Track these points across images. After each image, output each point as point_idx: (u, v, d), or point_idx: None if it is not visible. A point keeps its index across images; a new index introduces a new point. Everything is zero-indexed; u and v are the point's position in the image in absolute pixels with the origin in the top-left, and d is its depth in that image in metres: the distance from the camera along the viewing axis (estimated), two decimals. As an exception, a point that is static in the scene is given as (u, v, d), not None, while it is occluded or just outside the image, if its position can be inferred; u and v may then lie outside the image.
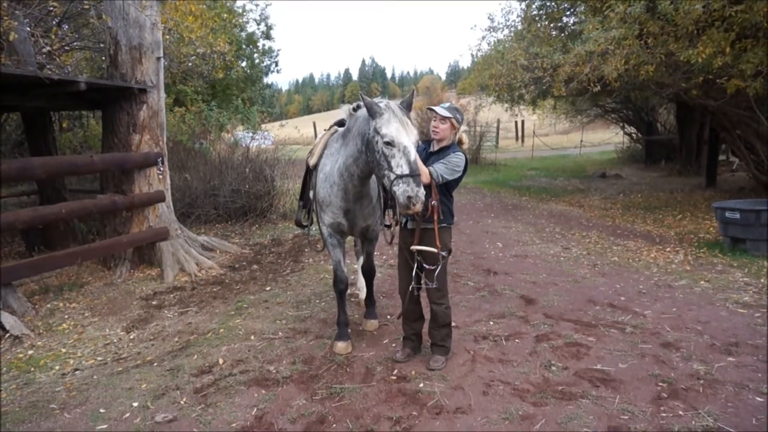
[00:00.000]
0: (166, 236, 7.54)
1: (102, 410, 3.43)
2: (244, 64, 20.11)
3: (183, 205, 10.48)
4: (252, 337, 4.60)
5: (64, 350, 4.88)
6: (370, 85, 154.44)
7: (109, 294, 6.45)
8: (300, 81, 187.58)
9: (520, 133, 30.64)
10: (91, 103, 7.91)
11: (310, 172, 4.48)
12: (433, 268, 3.66)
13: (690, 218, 9.08)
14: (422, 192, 3.23)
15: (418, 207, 3.23)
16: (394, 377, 3.75)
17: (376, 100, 3.58)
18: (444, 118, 3.69)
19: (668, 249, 7.17)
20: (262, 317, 5.12)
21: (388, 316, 4.99)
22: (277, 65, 23.93)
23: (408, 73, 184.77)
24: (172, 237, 7.64)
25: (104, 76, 7.84)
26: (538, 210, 10.59)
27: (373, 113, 3.41)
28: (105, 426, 3.25)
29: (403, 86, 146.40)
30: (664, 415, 3.12)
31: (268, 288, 6.20)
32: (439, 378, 3.70)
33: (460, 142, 3.83)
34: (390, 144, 3.33)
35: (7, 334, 5.14)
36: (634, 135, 18.88)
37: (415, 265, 3.75)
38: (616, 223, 9.12)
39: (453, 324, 4.61)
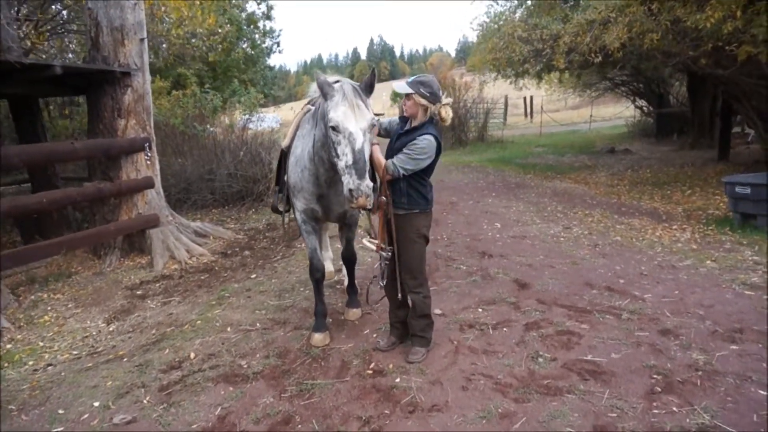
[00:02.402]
0: (156, 223, 7.37)
1: (61, 411, 3.27)
2: (245, 45, 19.77)
3: (179, 190, 10.32)
4: (228, 329, 4.41)
5: (41, 344, 4.74)
6: (379, 64, 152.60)
7: (96, 284, 6.31)
8: (308, 62, 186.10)
9: (528, 110, 29.94)
10: (75, 89, 7.70)
11: (285, 155, 4.22)
12: (385, 256, 3.42)
13: (699, 194, 8.68)
14: (366, 184, 2.97)
15: (362, 201, 2.97)
16: (371, 371, 3.53)
17: (332, 78, 3.31)
18: (407, 95, 3.37)
19: (674, 227, 6.83)
20: (242, 307, 4.93)
21: (374, 305, 4.76)
22: (278, 46, 23.54)
23: (417, 50, 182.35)
24: (162, 224, 7.46)
25: (87, 59, 7.61)
26: (541, 188, 10.24)
27: (324, 95, 3.14)
28: (61, 428, 3.08)
29: (413, 64, 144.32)
30: (656, 411, 2.87)
31: (253, 276, 6.00)
32: (418, 372, 3.47)
33: (441, 119, 3.51)
34: (335, 129, 3.06)
35: (-13, 328, 5.01)
36: (645, 108, 18.27)
37: (381, 254, 3.51)
38: (621, 200, 8.76)
39: (440, 312, 4.42)
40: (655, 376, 3.23)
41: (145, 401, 3.32)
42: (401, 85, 3.41)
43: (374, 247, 3.50)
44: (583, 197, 9.14)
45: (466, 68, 15.45)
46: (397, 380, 3.38)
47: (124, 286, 6.17)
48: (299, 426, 2.95)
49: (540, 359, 3.53)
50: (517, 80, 12.92)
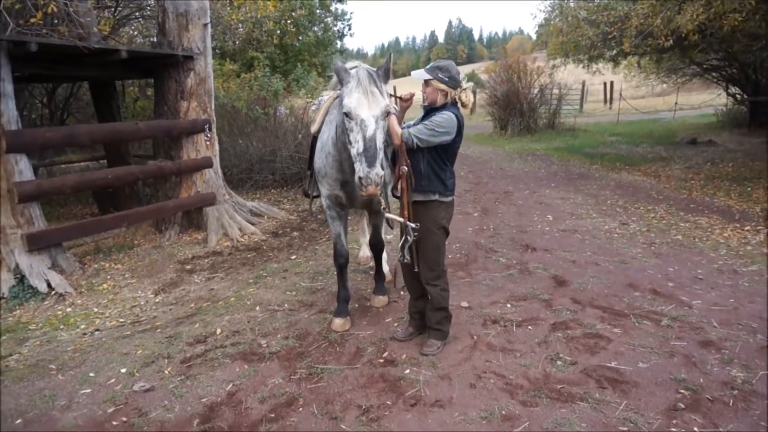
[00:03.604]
0: (212, 201, 7.69)
1: (92, 374, 3.52)
2: (316, 28, 20.05)
3: (241, 170, 10.71)
4: (257, 308, 4.54)
5: (96, 310, 5.12)
6: (456, 47, 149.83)
7: (153, 257, 6.71)
8: (385, 45, 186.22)
9: (608, 96, 28.25)
10: (144, 72, 8.14)
11: (315, 140, 4.25)
12: (409, 239, 3.33)
13: (786, 192, 7.85)
14: (376, 173, 2.91)
15: (371, 189, 2.92)
16: (382, 360, 3.51)
17: (350, 64, 3.26)
18: (426, 81, 3.28)
19: (747, 228, 6.22)
20: (275, 287, 5.06)
21: (402, 293, 4.72)
22: (350, 29, 23.67)
23: (496, 33, 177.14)
24: (219, 202, 7.78)
25: (154, 44, 8.02)
26: (605, 180, 9.67)
27: (340, 81, 3.10)
28: (89, 390, 3.32)
29: (491, 48, 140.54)
30: (673, 430, 2.64)
31: (293, 257, 6.14)
32: (429, 365, 3.41)
33: (462, 104, 3.39)
34: (348, 116, 3.02)
35: (53, 292, 5.48)
36: (738, 96, 16.67)
37: (402, 236, 3.44)
38: (692, 196, 8.08)
39: (466, 305, 4.32)
40: (682, 390, 2.97)
41: (166, 371, 3.50)
42: (419, 72, 3.32)
43: (401, 219, 3.37)
44: (649, 191, 8.53)
45: (547, 52, 14.74)
46: (407, 371, 3.34)
47: (176, 260, 6.52)
48: (300, 409, 3.00)
49: (559, 362, 3.35)
50: (590, 65, 12.16)
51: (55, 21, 6.76)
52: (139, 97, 13.41)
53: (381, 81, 3.12)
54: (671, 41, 6.57)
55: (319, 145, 3.92)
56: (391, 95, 3.30)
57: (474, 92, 29.93)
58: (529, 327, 3.88)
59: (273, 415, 2.94)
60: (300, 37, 18.45)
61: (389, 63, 3.21)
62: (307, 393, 3.16)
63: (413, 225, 3.34)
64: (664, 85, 22.56)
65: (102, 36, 9.35)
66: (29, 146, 5.59)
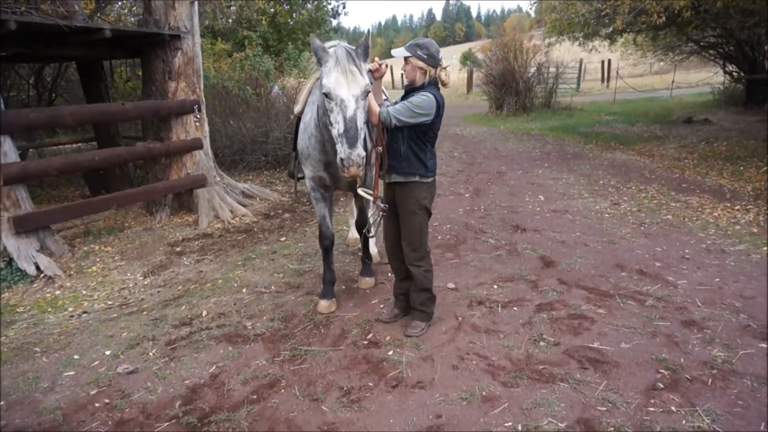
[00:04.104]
0: (203, 183, 7.63)
1: (76, 356, 3.52)
2: (309, 6, 19.74)
3: (233, 151, 10.61)
4: (244, 290, 4.54)
5: (84, 292, 5.11)
6: (454, 25, 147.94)
7: (143, 239, 6.68)
8: (382, 23, 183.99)
9: (606, 75, 27.99)
10: (130, 51, 8.00)
11: (298, 121, 4.19)
12: (374, 217, 3.35)
13: (779, 171, 7.82)
14: (357, 154, 2.88)
15: (353, 171, 2.89)
16: (366, 342, 3.52)
17: (329, 43, 3.20)
18: (405, 59, 3.22)
19: (737, 207, 6.21)
20: (263, 269, 5.05)
21: (389, 274, 4.71)
22: (344, 7, 23.29)
23: (494, 11, 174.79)
24: (209, 184, 7.73)
25: (140, 23, 7.87)
26: (598, 160, 9.62)
27: (318, 60, 3.04)
28: (72, 372, 3.32)
29: (489, 26, 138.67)
30: (651, 409, 2.66)
31: (283, 239, 6.12)
32: (413, 346, 3.42)
33: (442, 83, 3.34)
34: (328, 96, 2.97)
35: (42, 274, 5.47)
36: (735, 74, 16.52)
37: (378, 204, 3.44)
38: (684, 175, 8.05)
39: (453, 286, 4.32)
40: (662, 371, 2.98)
41: (150, 354, 3.51)
42: (399, 50, 3.25)
43: (371, 197, 3.41)
44: (642, 171, 8.50)
45: (544, 30, 14.48)
46: (390, 353, 3.35)
47: (166, 243, 6.49)
48: (282, 391, 3.01)
49: (542, 343, 3.36)
50: (585, 43, 12.00)
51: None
52: (131, 78, 13.23)
53: (360, 59, 3.05)
54: (664, 18, 6.47)
55: (302, 126, 3.87)
56: (370, 71, 3.24)
57: (471, 71, 29.69)
58: (515, 308, 3.89)
59: (255, 397, 2.95)
60: (294, 15, 18.18)
61: (368, 40, 3.14)
62: (289, 375, 3.17)
63: (382, 204, 3.34)
64: (662, 63, 22.34)
65: (88, 14, 9.18)
66: (12, 127, 5.51)
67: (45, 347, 3.70)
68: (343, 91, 2.96)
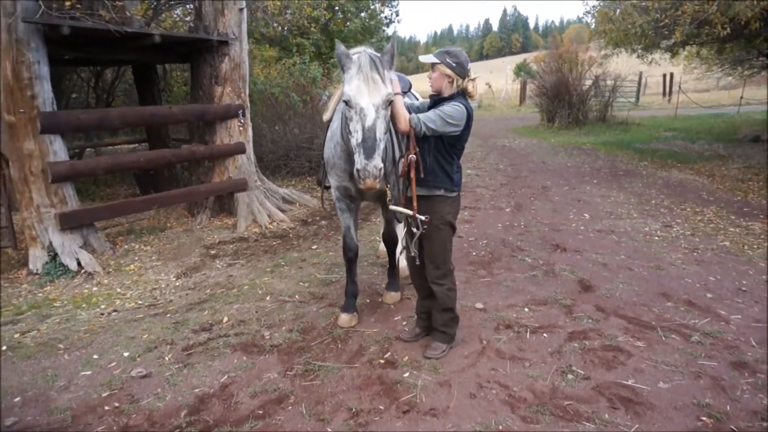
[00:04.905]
0: (244, 187, 7.72)
1: (96, 356, 3.56)
2: (363, 14, 19.92)
3: (277, 157, 10.74)
4: (267, 298, 4.49)
5: (118, 290, 5.21)
6: (511, 36, 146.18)
7: (182, 240, 6.80)
8: (438, 33, 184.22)
9: (667, 89, 26.73)
10: (181, 56, 8.23)
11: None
12: (415, 232, 3.16)
13: None
14: (374, 165, 2.75)
15: (369, 183, 2.76)
16: (383, 361, 3.37)
17: (355, 50, 3.09)
18: (433, 66, 3.06)
19: (806, 236, 5.67)
20: (290, 277, 5.00)
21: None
22: (397, 15, 23.38)
23: (553, 22, 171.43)
24: (250, 188, 7.81)
25: (191, 29, 8.08)
26: (652, 178, 9.09)
27: (341, 67, 2.95)
28: (89, 372, 3.35)
29: (547, 36, 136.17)
30: (687, 462, 2.38)
31: (314, 246, 6.07)
32: (431, 369, 3.24)
33: (468, 95, 3.16)
34: (348, 104, 2.86)
35: (83, 270, 5.63)
36: (813, 90, 15.36)
37: (405, 230, 3.28)
38: (747, 198, 7.46)
39: (481, 306, 4.11)
40: (704, 418, 2.68)
41: (166, 358, 3.49)
42: (427, 57, 3.11)
43: (410, 212, 3.20)
44: (700, 192, 7.95)
45: (606, 40, 13.85)
46: (406, 375, 3.19)
47: (203, 245, 6.58)
48: (290, 407, 2.90)
49: (570, 375, 3.11)
50: (644, 55, 11.44)
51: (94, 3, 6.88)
52: (188, 82, 13.67)
53: (384, 67, 2.94)
54: (729, 30, 6.01)
55: (329, 134, 3.79)
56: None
57: (524, 82, 29.08)
58: (544, 334, 3.64)
59: (261, 412, 2.86)
60: (347, 24, 18.40)
61: (394, 48, 3.03)
62: (299, 391, 3.06)
63: (422, 217, 3.16)
64: (730, 78, 21.10)
65: (145, 21, 9.54)
66: (63, 127, 5.73)
67: (69, 344, 3.76)
68: (363, 99, 2.85)
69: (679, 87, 20.70)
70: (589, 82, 16.94)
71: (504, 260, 5.26)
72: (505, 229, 6.39)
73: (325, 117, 4.00)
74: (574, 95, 16.50)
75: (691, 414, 2.72)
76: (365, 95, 2.86)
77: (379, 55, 3.01)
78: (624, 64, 16.54)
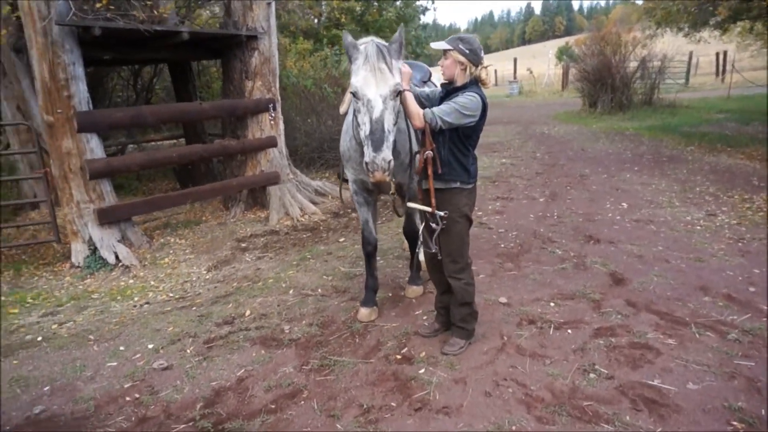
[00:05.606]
0: (276, 180, 7.80)
1: (122, 347, 3.67)
2: (398, 3, 19.76)
3: (311, 149, 10.80)
4: (290, 291, 4.52)
5: (152, 283, 5.38)
6: (554, 19, 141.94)
7: (215, 233, 6.94)
8: (479, 19, 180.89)
9: (721, 68, 25.26)
10: (212, 52, 8.36)
11: (346, 121, 4.08)
12: (434, 228, 3.08)
13: None
14: (383, 158, 2.69)
15: (378, 176, 2.71)
16: (399, 356, 3.32)
17: (362, 40, 3.02)
18: (445, 53, 2.96)
19: None
20: (315, 270, 5.01)
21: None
22: (433, 2, 23.06)
23: (599, 4, 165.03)
24: (282, 181, 7.88)
25: (221, 24, 8.19)
26: (699, 163, 8.62)
27: (349, 57, 2.89)
28: (115, 363, 3.46)
29: (592, 19, 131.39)
30: (712, 470, 2.23)
31: (341, 239, 6.07)
32: (447, 365, 3.17)
33: (482, 83, 3.05)
34: (355, 95, 2.80)
35: (120, 263, 5.84)
36: None
37: (423, 226, 3.21)
38: (803, 184, 6.98)
39: (504, 301, 4.01)
40: (735, 422, 2.51)
41: (188, 351, 3.56)
42: (439, 43, 3.01)
43: (427, 208, 3.13)
44: (750, 177, 7.47)
45: (653, 20, 13.17)
46: (421, 371, 3.13)
47: (235, 238, 6.69)
48: (302, 402, 2.90)
49: (592, 374, 2.97)
50: (691, 34, 10.82)
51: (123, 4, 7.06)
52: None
53: (392, 57, 2.86)
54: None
55: (344, 127, 3.76)
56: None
57: (567, 66, 28.13)
58: (569, 330, 3.51)
59: (273, 407, 2.87)
60: (382, 13, 18.31)
61: (402, 36, 2.95)
62: (313, 385, 3.06)
63: (441, 213, 3.09)
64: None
65: (180, 19, 9.74)
66: (99, 126, 5.93)
67: (99, 336, 3.90)
68: (370, 90, 2.80)
69: (733, 65, 19.52)
70: (633, 65, 16.19)
71: (533, 252, 5.10)
72: (537, 219, 6.21)
73: (342, 109, 3.96)
74: (617, 78, 15.82)
75: (720, 418, 2.55)
76: (372, 86, 2.80)
77: (386, 44, 2.94)
78: (671, 44, 15.74)
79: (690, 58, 23.72)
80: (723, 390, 2.76)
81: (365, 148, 2.81)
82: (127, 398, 3.03)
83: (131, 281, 5.48)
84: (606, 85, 15.90)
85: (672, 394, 2.75)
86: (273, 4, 7.89)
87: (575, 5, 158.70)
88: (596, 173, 8.45)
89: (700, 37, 11.48)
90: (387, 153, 2.76)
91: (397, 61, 2.91)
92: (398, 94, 2.88)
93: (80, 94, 5.69)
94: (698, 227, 5.53)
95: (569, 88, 22.94)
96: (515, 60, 35.08)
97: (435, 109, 2.96)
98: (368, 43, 2.90)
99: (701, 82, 25.12)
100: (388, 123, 2.82)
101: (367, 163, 2.78)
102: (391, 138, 2.83)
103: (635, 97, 16.35)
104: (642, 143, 10.97)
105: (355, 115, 3.03)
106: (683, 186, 7.25)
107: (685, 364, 3.01)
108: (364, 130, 2.82)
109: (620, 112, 15.66)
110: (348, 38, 2.95)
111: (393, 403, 2.84)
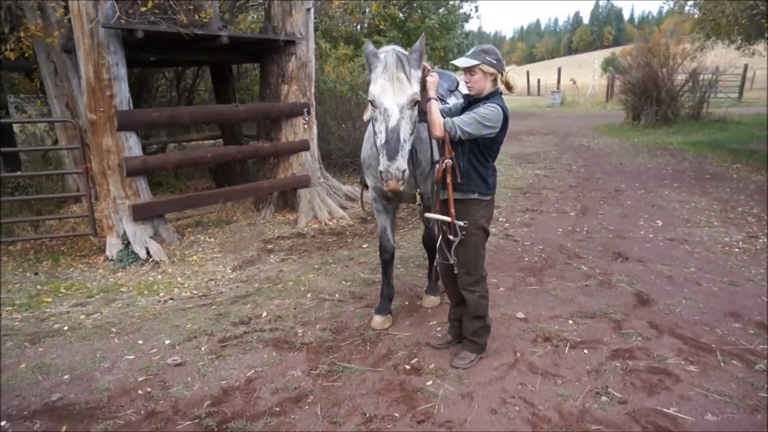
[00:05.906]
0: (306, 184, 7.90)
1: (141, 341, 3.78)
2: (441, 10, 19.75)
3: (344, 154, 10.89)
4: (308, 295, 4.55)
5: (179, 280, 5.53)
6: (603, 29, 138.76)
7: (244, 233, 7.08)
8: (524, 27, 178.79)
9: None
10: (251, 56, 8.56)
11: (369, 128, 4.10)
12: (452, 240, 3.05)
13: None
14: (396, 167, 2.69)
15: (392, 185, 2.70)
16: (408, 366, 3.30)
17: (383, 49, 3.02)
18: (469, 69, 2.92)
19: None
20: (334, 275, 5.04)
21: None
22: (476, 11, 22.91)
23: (650, 13, 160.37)
24: (313, 185, 7.98)
25: (261, 29, 8.37)
26: (743, 182, 8.23)
27: (368, 65, 2.90)
28: (132, 356, 3.56)
29: (641, 29, 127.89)
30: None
31: (365, 245, 6.08)
32: (455, 379, 3.13)
33: (509, 88, 3.01)
34: (372, 104, 2.81)
35: (151, 259, 6.03)
36: None
37: (440, 237, 3.18)
38: None
39: (521, 316, 3.92)
40: (752, 459, 2.38)
41: (202, 349, 3.64)
42: (462, 60, 2.98)
43: (448, 219, 3.09)
44: (798, 199, 7.10)
45: (703, 32, 12.70)
46: (429, 383, 3.10)
47: (262, 239, 6.81)
48: (306, 407, 2.92)
49: (604, 397, 2.87)
50: (744, 46, 10.37)
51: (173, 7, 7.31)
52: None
53: (411, 66, 2.86)
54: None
55: (366, 134, 3.77)
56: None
57: (612, 77, 27.46)
58: (585, 350, 3.40)
59: (278, 410, 2.90)
60: (425, 21, 18.33)
61: (422, 45, 2.94)
62: (319, 391, 3.07)
63: (461, 223, 3.06)
64: None
65: (223, 23, 10.01)
66: (138, 125, 6.15)
67: (121, 328, 4.02)
68: (387, 99, 2.80)
69: (791, 81, 18.58)
70: (682, 77, 15.64)
71: (557, 267, 4.98)
72: (565, 234, 6.06)
73: (366, 116, 3.97)
74: (663, 91, 15.31)
75: (738, 454, 2.42)
76: (389, 95, 2.81)
77: (406, 53, 2.94)
78: (723, 57, 15.13)
79: (745, 71, 22.75)
80: (744, 423, 2.62)
81: (380, 157, 2.82)
82: (139, 391, 3.12)
83: (159, 277, 5.64)
84: (651, 98, 15.42)
85: (688, 424, 2.63)
86: (312, 10, 8.01)
87: (626, 14, 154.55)
88: (632, 188, 8.19)
89: (754, 50, 10.99)
90: (402, 162, 2.75)
91: (416, 71, 2.91)
92: (416, 103, 2.88)
93: (122, 93, 5.92)
94: (736, 249, 5.28)
95: (613, 100, 22.35)
96: (559, 69, 34.46)
97: (455, 118, 2.94)
98: (388, 52, 2.91)
99: (756, 96, 23.99)
100: (404, 132, 2.82)
101: (381, 172, 2.78)
102: (407, 147, 2.83)
103: (682, 111, 15.78)
104: (685, 159, 10.57)
105: (372, 123, 3.04)
106: (724, 205, 6.94)
107: (705, 394, 2.87)
108: (381, 138, 2.83)
109: (665, 126, 15.15)
110: (369, 47, 2.97)
111: (396, 414, 2.82)
